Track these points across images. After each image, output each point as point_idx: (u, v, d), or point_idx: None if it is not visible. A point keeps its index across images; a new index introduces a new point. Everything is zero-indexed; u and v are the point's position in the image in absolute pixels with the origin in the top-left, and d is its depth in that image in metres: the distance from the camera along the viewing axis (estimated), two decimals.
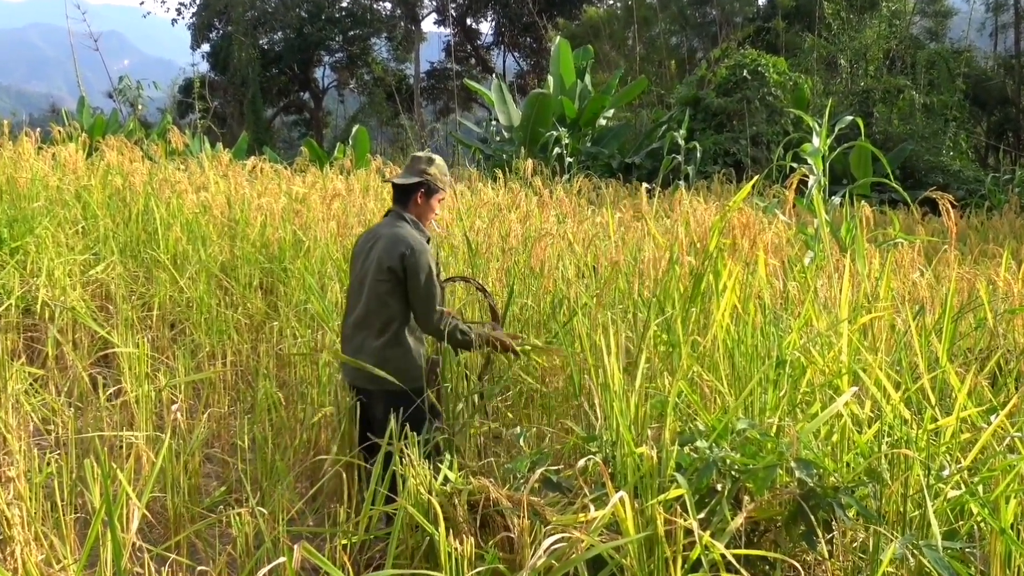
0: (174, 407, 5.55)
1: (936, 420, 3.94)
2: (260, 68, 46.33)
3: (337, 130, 50.44)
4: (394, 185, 5.53)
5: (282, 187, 11.61)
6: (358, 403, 5.25)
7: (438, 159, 5.53)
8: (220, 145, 22.02)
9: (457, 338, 5.25)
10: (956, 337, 5.47)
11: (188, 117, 41.63)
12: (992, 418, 3.91)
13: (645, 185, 8.70)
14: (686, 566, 3.41)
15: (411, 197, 5.42)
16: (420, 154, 5.56)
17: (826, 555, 3.67)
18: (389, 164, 14.48)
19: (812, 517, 3.54)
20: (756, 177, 6.31)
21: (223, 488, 5.74)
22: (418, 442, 4.34)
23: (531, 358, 5.66)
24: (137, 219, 10.12)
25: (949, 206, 6.14)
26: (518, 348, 5.50)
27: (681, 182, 16.38)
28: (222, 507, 5.34)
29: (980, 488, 3.71)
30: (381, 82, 50.08)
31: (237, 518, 4.18)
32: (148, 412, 5.79)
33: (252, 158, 14.15)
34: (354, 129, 23.18)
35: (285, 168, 14.13)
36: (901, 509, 3.74)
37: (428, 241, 5.36)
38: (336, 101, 55.36)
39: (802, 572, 3.63)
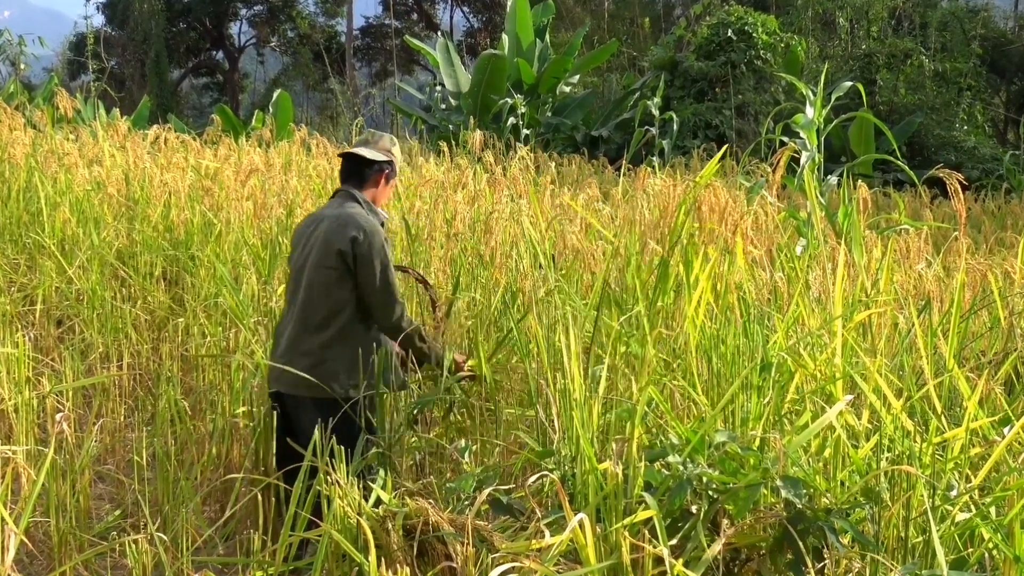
0: (59, 417, 5.50)
1: (943, 432, 3.98)
2: (165, 22, 45.95)
3: (255, 95, 50.14)
4: (349, 159, 5.54)
5: (190, 161, 11.53)
6: (282, 414, 5.22)
7: (397, 142, 5.66)
8: (117, 112, 21.81)
9: (415, 343, 5.28)
10: (967, 337, 5.52)
11: (80, 79, 41.26)
12: (1006, 430, 3.95)
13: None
14: None
15: (371, 176, 5.47)
16: (380, 132, 5.65)
17: None
18: (315, 135, 14.41)
19: (801, 544, 3.56)
20: (725, 147, 6.34)
21: (117, 511, 5.70)
22: (347, 457, 4.33)
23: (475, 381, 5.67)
24: (18, 197, 10.02)
25: (959, 187, 6.20)
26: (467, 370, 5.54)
27: (655, 158, 16.43)
28: (116, 533, 5.30)
29: (992, 510, 3.75)
30: (307, 40, 49.91)
31: (133, 546, 4.15)
32: (29, 423, 5.74)
33: (155, 127, 14.04)
34: (275, 94, 23.05)
35: (193, 139, 14.04)
36: (902, 534, 3.77)
37: (383, 226, 5.36)
38: (254, 62, 55.06)
39: None
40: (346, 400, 5.00)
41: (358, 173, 5.46)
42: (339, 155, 5.76)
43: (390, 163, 5.51)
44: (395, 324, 5.18)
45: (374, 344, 5.16)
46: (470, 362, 5.55)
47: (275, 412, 5.31)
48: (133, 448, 6.10)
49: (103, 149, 11.86)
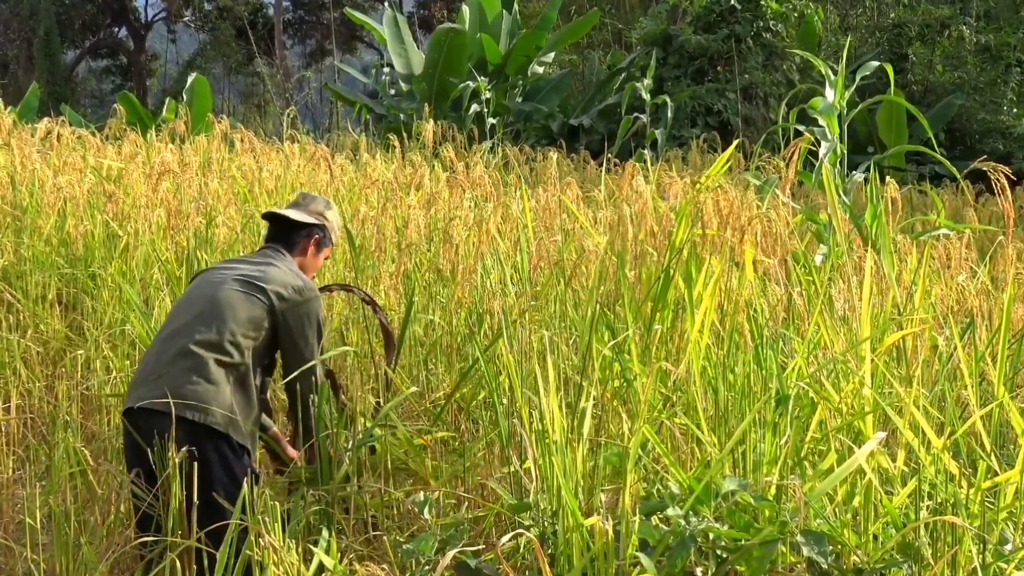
0: None
1: (993, 475, 4.00)
2: None
3: (166, 80, 50.08)
4: (275, 222, 5.65)
5: (88, 161, 11.50)
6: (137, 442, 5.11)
7: (335, 206, 5.76)
8: (0, 102, 21.75)
9: (309, 425, 5.33)
10: (1019, 361, 5.55)
11: None
12: None
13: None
14: None
15: (299, 242, 5.60)
16: (314, 195, 5.73)
17: None
18: (239, 127, 14.39)
19: None
20: (736, 141, 6.34)
21: None
22: (283, 514, 4.32)
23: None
24: None
25: (1005, 181, 6.23)
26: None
27: (646, 151, 16.44)
28: None
29: None
30: (228, 13, 49.80)
31: None
32: None
33: (46, 120, 13.97)
34: (190, 79, 23.03)
35: (93, 134, 13.99)
36: None
37: None
38: (164, 40, 54.92)
39: None
40: (228, 435, 4.97)
41: (285, 237, 5.60)
42: (263, 216, 5.82)
43: (322, 228, 5.65)
44: (307, 397, 5.26)
45: (255, 397, 5.24)
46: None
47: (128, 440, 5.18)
48: (24, 508, 6.07)
49: None
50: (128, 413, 5.05)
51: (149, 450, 4.81)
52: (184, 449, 4.64)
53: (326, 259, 5.80)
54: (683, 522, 3.74)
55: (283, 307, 5.15)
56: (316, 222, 5.61)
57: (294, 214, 5.59)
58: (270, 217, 5.71)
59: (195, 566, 4.84)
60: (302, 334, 5.21)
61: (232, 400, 5.03)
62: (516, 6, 25.87)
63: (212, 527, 4.78)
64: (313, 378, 5.27)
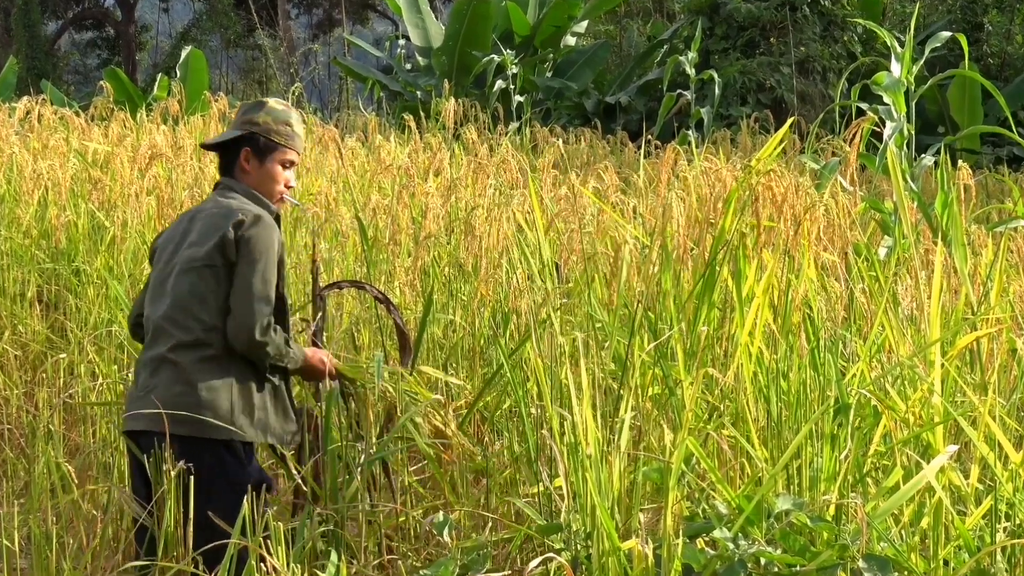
0: None
1: None
2: None
3: (158, 54, 50.14)
4: (210, 150, 5.66)
5: (72, 144, 11.52)
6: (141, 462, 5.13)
7: (272, 102, 5.48)
8: None
9: (283, 353, 5.16)
10: None
11: None
12: None
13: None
14: None
15: (236, 162, 5.41)
16: (249, 102, 5.59)
17: None
18: (238, 106, 14.39)
19: None
20: (791, 120, 6.33)
21: None
22: (287, 535, 4.32)
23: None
24: None
25: None
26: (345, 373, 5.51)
27: (691, 132, 16.38)
28: None
29: None
30: None
31: None
32: None
33: (25, 99, 14.02)
34: (184, 53, 23.08)
35: (77, 114, 14.03)
36: None
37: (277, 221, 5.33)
38: (156, 9, 55.01)
39: None
40: (229, 442, 4.96)
41: (226, 164, 5.46)
42: (201, 147, 5.81)
43: (251, 136, 5.37)
44: (254, 337, 5.02)
45: (263, 378, 5.17)
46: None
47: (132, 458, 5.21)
48: (1, 528, 6.09)
49: None
50: (129, 433, 5.13)
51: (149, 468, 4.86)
52: (181, 464, 4.65)
53: (288, 167, 5.46)
54: (731, 545, 3.73)
55: (241, 236, 5.04)
56: (240, 132, 5.38)
57: (214, 139, 5.55)
58: (207, 147, 5.72)
59: None
60: (253, 256, 5.03)
61: (228, 396, 5.00)
62: None
63: (208, 547, 4.78)
64: (264, 308, 5.05)
